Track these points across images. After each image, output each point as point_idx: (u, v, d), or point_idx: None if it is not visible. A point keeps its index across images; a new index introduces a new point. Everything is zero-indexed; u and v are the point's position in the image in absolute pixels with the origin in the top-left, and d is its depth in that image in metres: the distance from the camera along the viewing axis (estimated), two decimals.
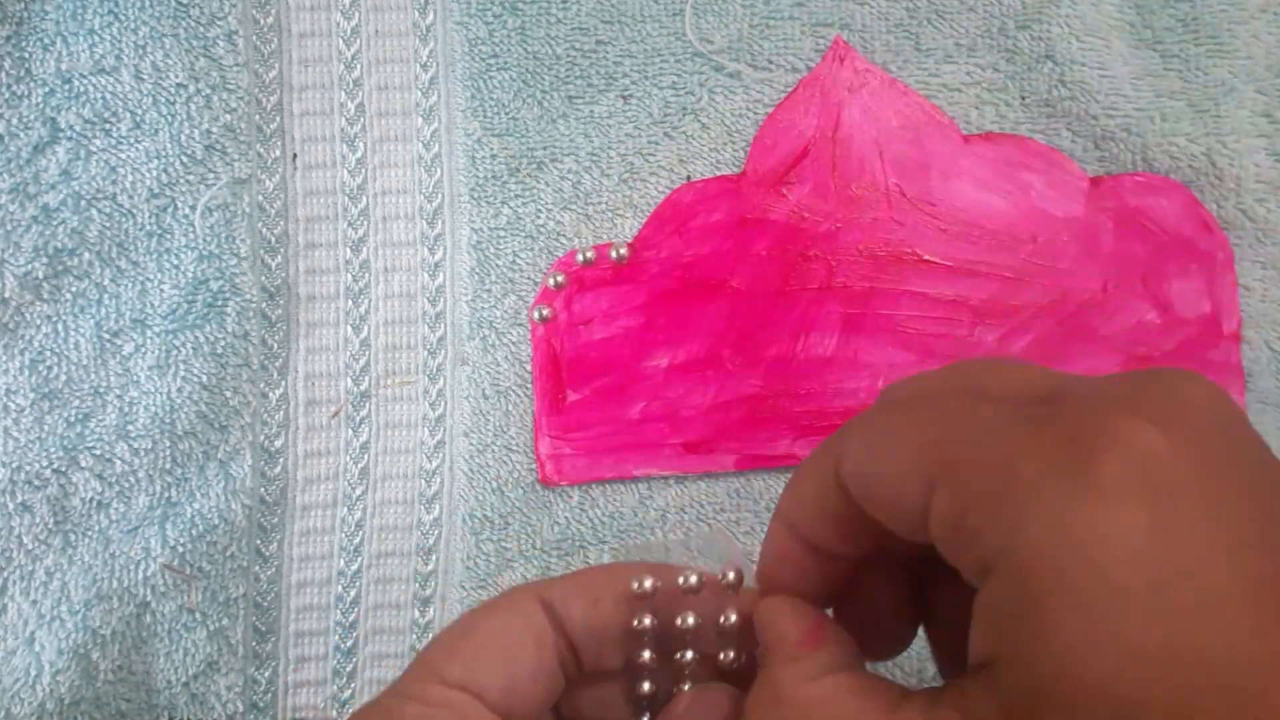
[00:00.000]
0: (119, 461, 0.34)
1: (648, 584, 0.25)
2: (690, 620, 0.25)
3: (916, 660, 0.36)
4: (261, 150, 0.35)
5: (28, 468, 0.34)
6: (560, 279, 0.35)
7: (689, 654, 0.25)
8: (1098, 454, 0.18)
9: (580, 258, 0.35)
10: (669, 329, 0.36)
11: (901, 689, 0.21)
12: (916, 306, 0.35)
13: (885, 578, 0.24)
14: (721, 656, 0.25)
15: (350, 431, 0.36)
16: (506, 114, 0.36)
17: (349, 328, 0.36)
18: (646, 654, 0.25)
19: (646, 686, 0.25)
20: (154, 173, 0.34)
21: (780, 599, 0.24)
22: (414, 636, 0.36)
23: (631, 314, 0.36)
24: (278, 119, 0.35)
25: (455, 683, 0.23)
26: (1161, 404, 0.19)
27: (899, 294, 0.35)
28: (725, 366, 0.36)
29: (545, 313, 0.35)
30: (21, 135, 0.34)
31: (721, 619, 0.25)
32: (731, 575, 0.25)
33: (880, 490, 0.21)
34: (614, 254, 0.35)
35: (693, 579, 0.25)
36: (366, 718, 0.23)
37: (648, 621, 0.25)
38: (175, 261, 0.34)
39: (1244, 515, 0.18)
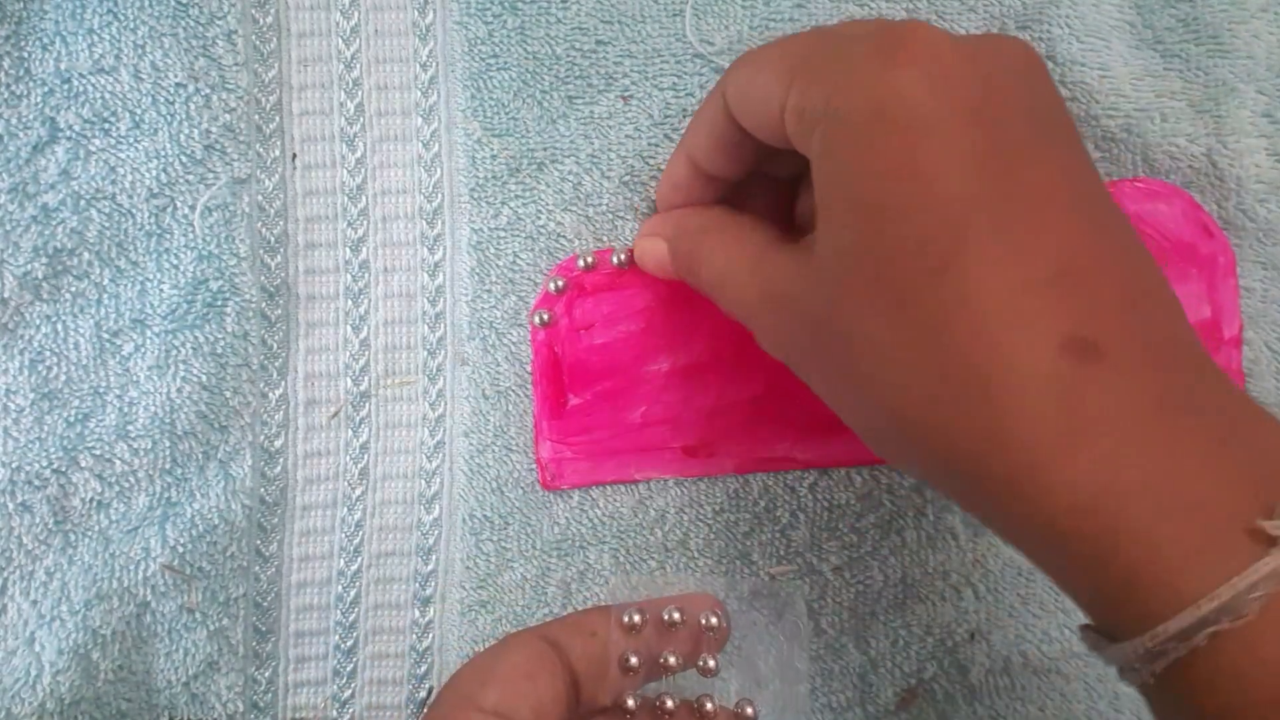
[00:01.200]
0: (119, 461, 0.34)
1: (636, 617, 0.29)
2: (672, 660, 0.29)
3: (918, 660, 0.36)
4: (261, 150, 0.35)
5: (27, 468, 0.34)
6: (561, 283, 0.35)
7: (670, 703, 0.30)
8: (900, 41, 0.24)
9: (581, 262, 0.35)
10: (670, 333, 0.36)
11: (779, 232, 0.29)
12: None
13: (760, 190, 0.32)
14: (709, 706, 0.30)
15: (350, 432, 0.36)
16: (506, 114, 0.36)
17: (349, 328, 0.36)
18: (631, 701, 0.29)
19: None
20: (153, 172, 0.34)
21: (675, 210, 0.33)
22: (414, 636, 0.36)
23: (632, 318, 0.36)
24: (277, 118, 0.35)
25: (491, 709, 0.26)
26: (974, 37, 0.26)
27: None
28: (726, 370, 0.36)
29: (546, 317, 0.35)
30: (21, 135, 0.34)
31: (700, 662, 0.30)
32: (714, 619, 0.30)
33: (753, 101, 0.27)
34: (615, 259, 0.35)
35: (676, 614, 0.30)
36: None
37: (635, 661, 0.29)
38: (175, 261, 0.34)
39: (981, 93, 0.24)
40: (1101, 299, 0.22)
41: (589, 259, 0.35)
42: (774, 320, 0.27)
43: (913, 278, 0.23)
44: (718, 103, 0.28)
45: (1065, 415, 0.21)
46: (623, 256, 0.35)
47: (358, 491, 0.36)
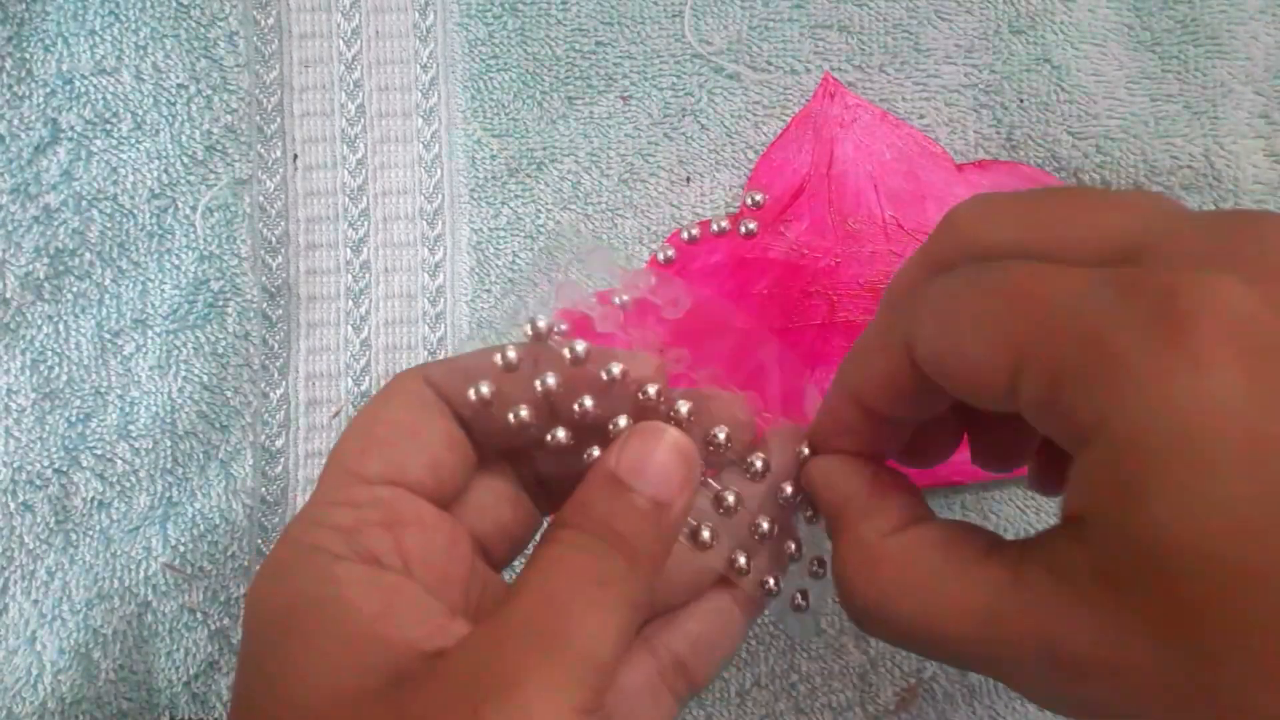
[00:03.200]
0: (120, 461, 0.34)
1: (512, 355, 0.24)
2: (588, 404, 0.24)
3: (918, 660, 0.36)
4: (262, 151, 0.35)
5: (29, 467, 0.34)
6: (562, 327, 0.35)
7: (621, 421, 0.24)
8: (1190, 320, 0.17)
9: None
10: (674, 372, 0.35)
11: (987, 539, 0.21)
12: None
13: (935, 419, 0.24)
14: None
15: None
16: (506, 115, 0.36)
17: (349, 328, 0.36)
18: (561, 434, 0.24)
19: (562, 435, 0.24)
20: (155, 173, 0.34)
21: (831, 458, 0.24)
22: None
23: None
24: (278, 120, 0.36)
25: (377, 478, 0.23)
26: (1252, 256, 0.18)
27: None
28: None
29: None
30: (23, 136, 0.34)
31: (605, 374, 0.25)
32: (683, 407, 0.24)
33: (962, 371, 0.21)
34: (617, 299, 0.35)
35: (615, 370, 0.24)
36: (296, 534, 0.22)
37: (551, 381, 0.24)
38: (176, 262, 0.35)
39: None
40: None
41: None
42: (1061, 685, 0.20)
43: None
44: (897, 352, 0.22)
45: None
46: (625, 297, 0.35)
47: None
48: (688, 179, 0.36)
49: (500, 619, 0.20)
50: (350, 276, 0.36)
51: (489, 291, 0.36)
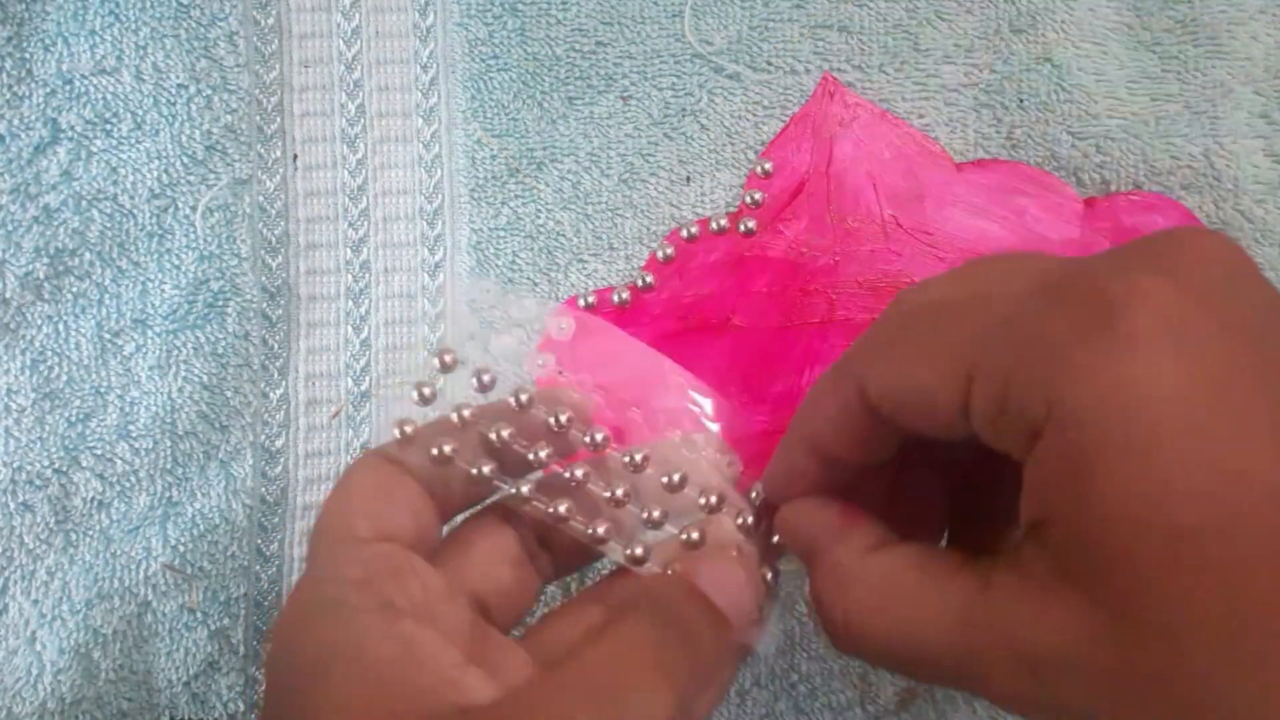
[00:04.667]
0: (120, 461, 0.34)
1: (448, 449, 0.25)
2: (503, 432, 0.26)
3: None
4: (262, 151, 0.35)
5: (29, 467, 0.34)
6: (563, 324, 0.35)
7: (579, 471, 0.26)
8: (1123, 309, 0.18)
9: (581, 302, 0.35)
10: None
11: (958, 557, 0.22)
12: None
13: (918, 468, 0.25)
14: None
15: (351, 431, 0.36)
16: (506, 115, 0.36)
17: (349, 328, 0.36)
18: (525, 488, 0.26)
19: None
20: (155, 173, 0.34)
21: (801, 500, 0.25)
22: None
23: None
24: (278, 120, 0.36)
25: (370, 536, 0.24)
26: (1177, 259, 0.20)
27: None
28: (731, 406, 0.36)
29: (590, 300, 0.35)
30: (23, 136, 0.34)
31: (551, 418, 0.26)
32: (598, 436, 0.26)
33: (916, 402, 0.21)
34: (616, 297, 0.35)
35: (486, 469, 0.26)
36: (310, 591, 0.23)
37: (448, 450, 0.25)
38: (176, 262, 0.35)
39: (1264, 354, 0.19)
40: None
41: (589, 299, 0.35)
42: (1035, 687, 0.20)
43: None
44: (849, 394, 0.23)
45: None
46: (624, 295, 0.35)
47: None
48: (688, 179, 0.36)
49: (558, 675, 0.21)
50: (350, 276, 0.36)
51: (489, 291, 0.36)
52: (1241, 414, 0.18)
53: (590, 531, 0.26)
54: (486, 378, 0.27)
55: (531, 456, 0.26)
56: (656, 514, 0.26)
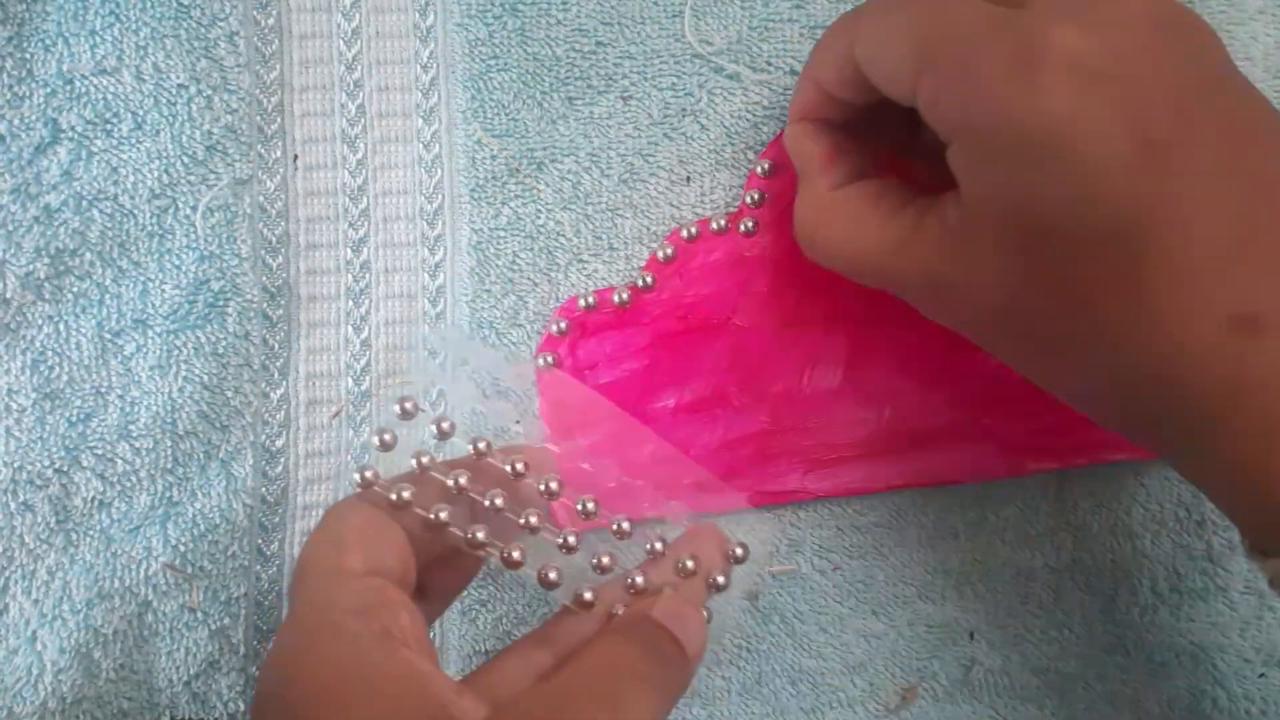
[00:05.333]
0: (120, 461, 0.34)
1: (406, 494, 0.28)
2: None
3: (918, 659, 0.36)
4: (262, 151, 0.35)
5: (29, 467, 0.34)
6: (563, 325, 0.35)
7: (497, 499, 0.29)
8: (1039, 58, 0.24)
9: (582, 302, 0.35)
10: (674, 370, 0.35)
11: (906, 195, 0.29)
12: (921, 333, 0.35)
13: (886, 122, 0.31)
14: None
15: (351, 431, 0.36)
16: (507, 115, 0.36)
17: (350, 328, 0.36)
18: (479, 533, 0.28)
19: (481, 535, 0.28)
20: (155, 173, 0.34)
21: (805, 123, 0.32)
22: None
23: (636, 357, 0.35)
24: (279, 120, 0.36)
25: (362, 571, 0.25)
26: (1102, 11, 0.25)
27: (903, 322, 0.35)
28: (732, 404, 0.35)
29: (550, 359, 0.35)
30: (23, 136, 0.34)
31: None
32: (520, 466, 0.29)
33: (882, 71, 0.28)
34: (616, 298, 0.35)
35: (460, 478, 0.28)
36: (309, 619, 0.25)
37: (463, 481, 0.28)
38: (176, 262, 0.35)
39: (1132, 95, 0.24)
40: (1268, 268, 0.24)
41: (589, 299, 0.35)
42: (936, 303, 0.29)
43: (1088, 288, 0.25)
44: (844, 48, 0.29)
45: (1229, 385, 0.24)
46: (624, 295, 0.35)
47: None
48: (688, 179, 0.36)
49: (566, 680, 0.25)
50: (350, 276, 0.36)
51: (489, 291, 0.36)
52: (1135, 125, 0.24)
53: (541, 575, 0.28)
54: (446, 425, 0.29)
55: (487, 503, 0.28)
56: (606, 560, 0.29)
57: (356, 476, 0.28)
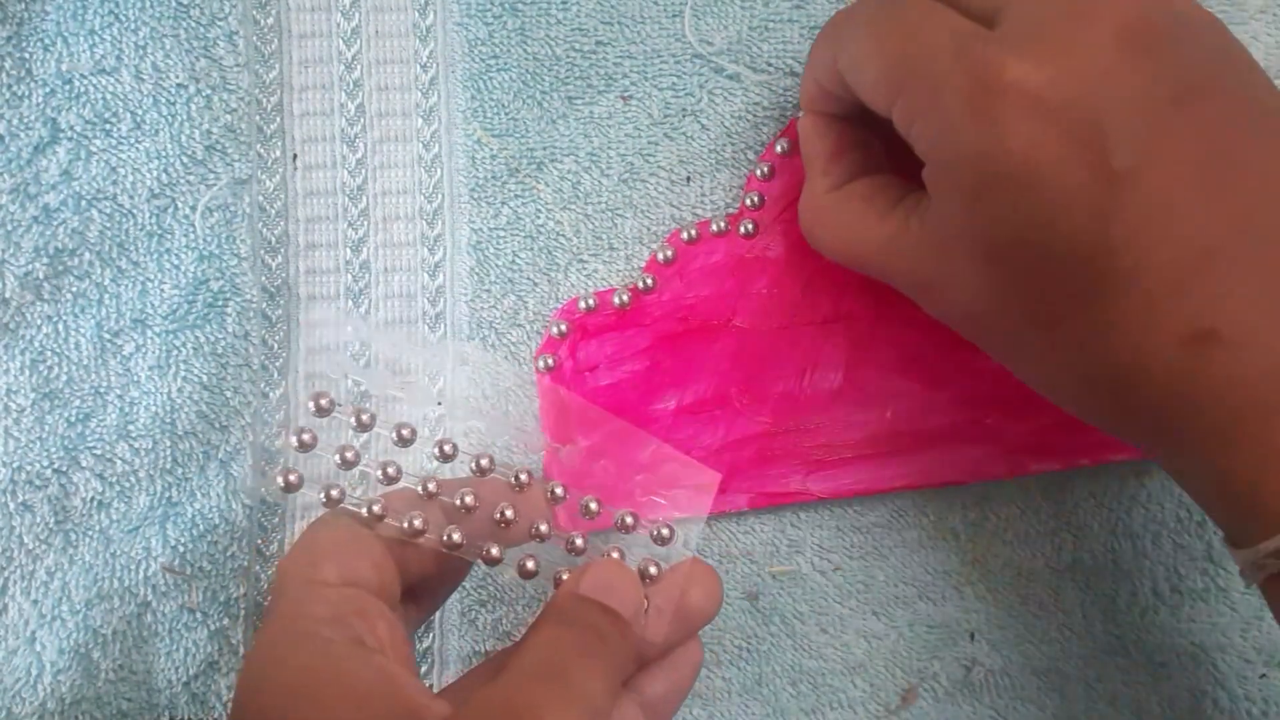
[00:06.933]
0: (120, 461, 0.34)
1: (376, 509, 0.28)
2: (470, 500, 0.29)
3: (918, 659, 0.36)
4: (262, 151, 0.35)
5: (28, 467, 0.34)
6: (564, 327, 0.35)
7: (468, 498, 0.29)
8: (996, 94, 0.25)
9: (582, 304, 0.35)
10: (675, 371, 0.35)
11: (898, 194, 0.30)
12: (922, 333, 0.35)
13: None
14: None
15: (351, 431, 0.36)
16: (506, 115, 0.36)
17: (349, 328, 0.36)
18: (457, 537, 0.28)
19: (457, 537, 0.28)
20: (154, 173, 0.34)
21: (813, 116, 0.33)
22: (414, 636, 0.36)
23: (636, 358, 0.35)
24: (278, 119, 0.36)
25: (337, 581, 0.26)
26: (1061, 39, 0.25)
27: (903, 322, 0.35)
28: (733, 406, 0.35)
29: (550, 361, 0.35)
30: (22, 135, 0.34)
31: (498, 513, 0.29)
32: (524, 477, 0.30)
33: (861, 85, 0.29)
34: (616, 299, 0.35)
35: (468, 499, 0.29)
36: (282, 627, 0.25)
37: (471, 499, 0.29)
38: (176, 262, 0.35)
39: (1091, 128, 0.25)
40: (1227, 284, 0.25)
41: (590, 301, 0.35)
42: (925, 300, 0.30)
43: (1053, 303, 0.26)
44: (828, 56, 0.30)
45: (1186, 398, 0.25)
46: (624, 297, 0.35)
47: (358, 492, 0.36)
48: (688, 179, 0.36)
49: (513, 669, 0.25)
50: (350, 276, 0.36)
51: (489, 291, 0.36)
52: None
53: (520, 565, 0.29)
54: (365, 417, 0.29)
55: (496, 515, 0.29)
56: (579, 542, 0.29)
57: (322, 496, 0.28)
